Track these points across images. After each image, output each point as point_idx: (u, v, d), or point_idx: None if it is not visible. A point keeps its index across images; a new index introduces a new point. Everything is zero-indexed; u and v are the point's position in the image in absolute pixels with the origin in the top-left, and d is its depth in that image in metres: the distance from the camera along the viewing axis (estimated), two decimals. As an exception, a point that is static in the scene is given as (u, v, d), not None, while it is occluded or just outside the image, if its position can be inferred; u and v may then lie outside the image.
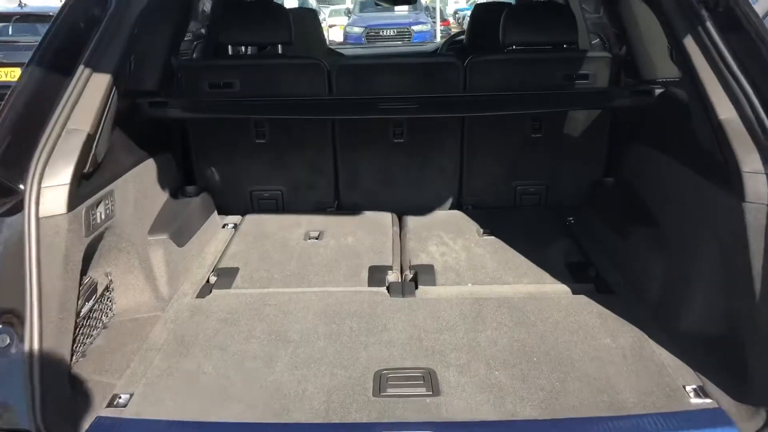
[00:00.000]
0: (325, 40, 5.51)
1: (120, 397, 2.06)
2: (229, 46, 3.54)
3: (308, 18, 5.21)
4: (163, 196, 3.06)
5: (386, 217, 3.45)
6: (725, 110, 2.12)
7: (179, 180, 3.41)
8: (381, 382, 2.10)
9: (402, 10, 17.45)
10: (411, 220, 3.41)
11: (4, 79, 9.41)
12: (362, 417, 1.95)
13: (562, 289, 2.69)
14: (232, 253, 3.08)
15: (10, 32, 10.31)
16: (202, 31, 4.40)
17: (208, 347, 2.34)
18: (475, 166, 3.60)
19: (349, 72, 3.45)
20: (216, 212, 3.49)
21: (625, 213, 3.00)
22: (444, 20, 22.59)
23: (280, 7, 3.72)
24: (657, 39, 2.89)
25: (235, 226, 3.44)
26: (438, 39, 16.49)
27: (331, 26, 19.35)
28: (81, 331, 2.24)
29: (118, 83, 2.36)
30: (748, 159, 2.01)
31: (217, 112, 3.27)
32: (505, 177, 3.62)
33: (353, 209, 3.62)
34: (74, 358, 2.14)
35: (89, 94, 2.21)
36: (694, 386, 2.05)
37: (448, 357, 2.24)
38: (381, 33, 17.26)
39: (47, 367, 1.87)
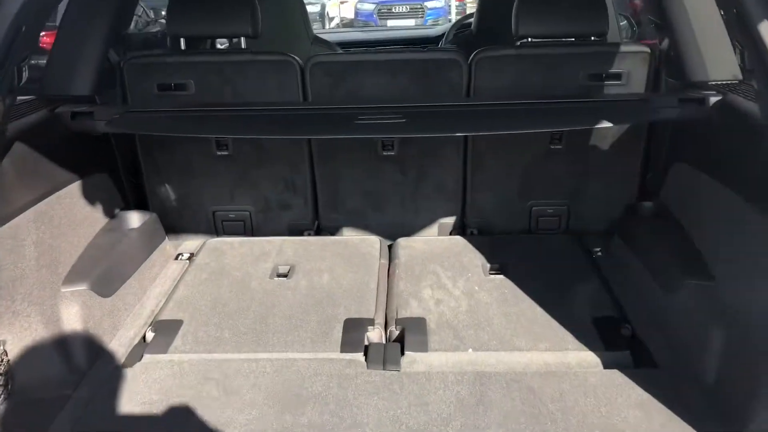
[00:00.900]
0: (311, 26, 4.82)
1: None
2: (182, 39, 2.92)
3: (289, 2, 4.54)
4: (89, 230, 2.50)
5: (373, 245, 2.89)
6: None
7: (117, 204, 2.83)
8: None
9: (415, -15, 16.68)
10: (403, 250, 2.84)
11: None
12: None
13: (590, 359, 2.12)
14: (178, 298, 2.52)
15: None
16: None
17: None
18: (481, 182, 3.01)
19: (328, 70, 2.83)
20: (167, 240, 2.92)
21: (668, 254, 2.39)
22: (459, -5, 21.73)
23: None
24: (712, 32, 2.37)
25: (191, 257, 2.88)
26: (453, 16, 15.72)
27: (342, 2, 18.61)
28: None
29: None
30: None
31: (159, 128, 2.67)
32: (518, 195, 3.03)
33: (335, 232, 3.06)
34: None
35: None
36: None
37: None
38: (393, 9, 16.60)
39: None
